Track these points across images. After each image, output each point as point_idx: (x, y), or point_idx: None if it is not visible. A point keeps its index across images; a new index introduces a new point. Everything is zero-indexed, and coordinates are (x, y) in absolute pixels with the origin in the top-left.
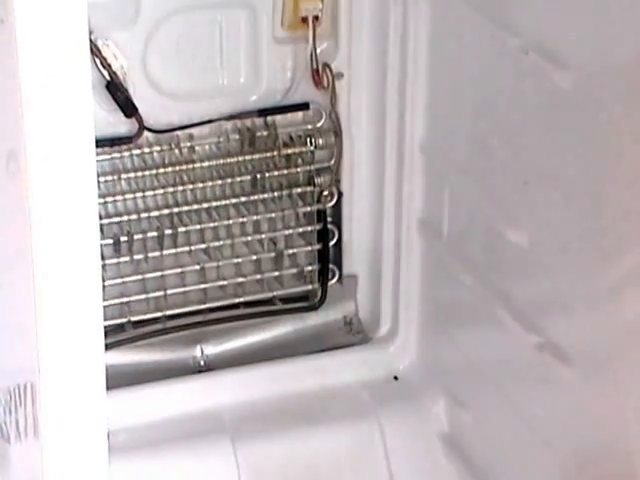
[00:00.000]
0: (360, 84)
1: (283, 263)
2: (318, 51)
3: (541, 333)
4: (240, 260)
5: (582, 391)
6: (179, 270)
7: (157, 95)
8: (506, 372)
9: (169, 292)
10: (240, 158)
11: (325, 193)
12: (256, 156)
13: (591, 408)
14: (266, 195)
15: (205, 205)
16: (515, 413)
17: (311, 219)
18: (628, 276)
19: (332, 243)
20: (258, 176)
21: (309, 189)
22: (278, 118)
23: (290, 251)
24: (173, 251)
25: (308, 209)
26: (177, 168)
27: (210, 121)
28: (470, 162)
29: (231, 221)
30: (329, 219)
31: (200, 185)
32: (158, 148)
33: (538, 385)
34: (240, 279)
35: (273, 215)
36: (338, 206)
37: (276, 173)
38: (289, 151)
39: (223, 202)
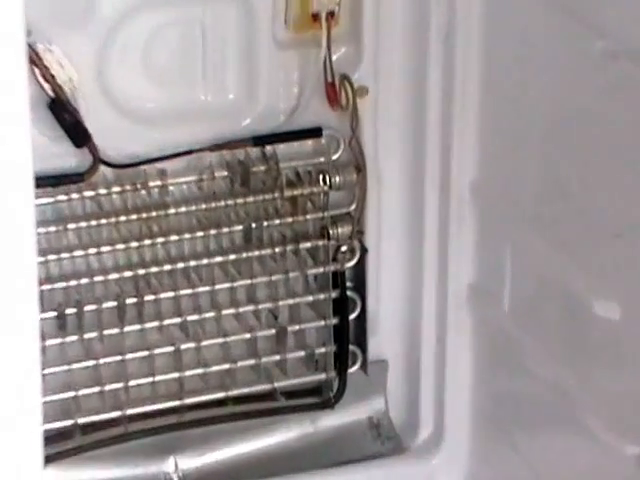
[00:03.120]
0: (390, 103)
1: (287, 343)
2: (334, 58)
3: None
4: (229, 339)
5: None
6: (146, 353)
7: (117, 117)
8: None
9: (131, 383)
10: (229, 202)
11: (343, 249)
12: (250, 199)
13: None
14: (264, 251)
15: (181, 265)
16: None
17: (325, 284)
18: None
19: (353, 316)
20: (253, 226)
21: (322, 243)
22: (280, 148)
23: (296, 327)
24: (138, 327)
25: (321, 270)
26: (144, 215)
27: (189, 152)
28: (540, 208)
29: (217, 286)
30: (349, 284)
31: (175, 238)
32: (118, 188)
33: None
34: (228, 365)
35: (273, 278)
36: (361, 266)
37: (277, 222)
38: (295, 192)
39: (206, 261)
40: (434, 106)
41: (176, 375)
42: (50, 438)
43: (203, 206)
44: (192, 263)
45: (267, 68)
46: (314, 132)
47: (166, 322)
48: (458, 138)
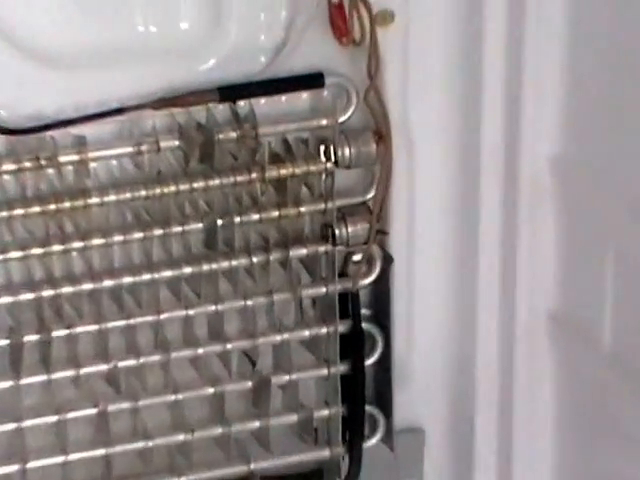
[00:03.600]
0: (427, 35)
1: (269, 403)
2: None
3: None
4: (181, 397)
5: None
6: (54, 418)
7: (11, 57)
8: None
9: (32, 465)
10: (183, 186)
11: (356, 258)
12: (215, 182)
13: None
14: (235, 262)
15: (109, 282)
16: None
17: (328, 311)
18: None
19: (372, 361)
20: (219, 223)
21: (324, 250)
22: (261, 105)
23: (285, 377)
24: (43, 378)
25: (322, 291)
26: (52, 206)
27: (120, 110)
28: None
29: (164, 315)
30: (365, 311)
31: (99, 241)
32: (12, 165)
33: None
34: (182, 436)
35: (250, 303)
36: (384, 285)
37: (256, 217)
38: (283, 172)
39: (147, 276)
40: (495, 39)
41: (101, 452)
42: None
43: (142, 193)
44: (126, 280)
45: None
46: (312, 80)
47: (85, 370)
48: (532, 89)
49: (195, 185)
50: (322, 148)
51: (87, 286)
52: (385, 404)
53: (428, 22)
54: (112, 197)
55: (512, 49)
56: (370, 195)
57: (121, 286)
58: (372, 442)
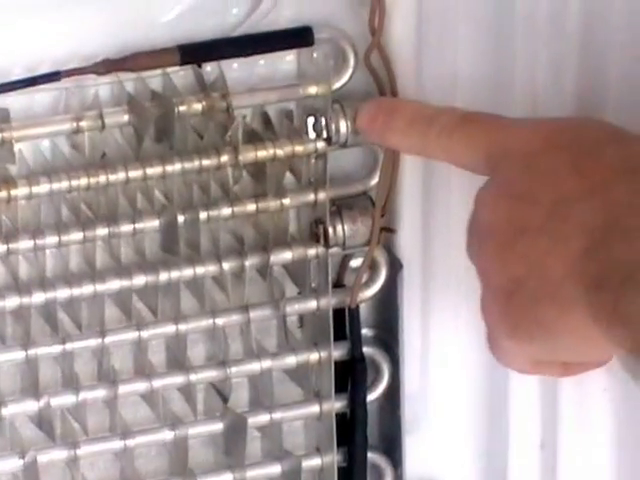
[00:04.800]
0: None
1: (245, 449)
2: None
3: None
4: (132, 443)
5: None
6: None
7: None
8: None
9: None
10: (133, 172)
11: (356, 264)
12: (176, 167)
13: None
14: (202, 269)
15: (39, 297)
16: None
17: (320, 332)
18: None
19: (375, 396)
20: (181, 219)
21: (315, 253)
22: (233, 69)
23: (266, 417)
24: None
25: (312, 306)
26: None
27: (54, 75)
28: None
29: (108, 339)
30: (367, 332)
31: (27, 244)
32: None
33: None
34: None
35: (219, 322)
36: (390, 297)
37: (228, 212)
38: (261, 153)
39: (87, 288)
40: None
41: None
42: None
43: (82, 181)
44: (61, 293)
45: None
46: (298, 36)
47: (8, 410)
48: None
49: (149, 171)
50: (311, 122)
51: (11, 301)
52: (393, 451)
53: None
54: (43, 187)
55: None
56: (373, 182)
57: (55, 301)
58: None
